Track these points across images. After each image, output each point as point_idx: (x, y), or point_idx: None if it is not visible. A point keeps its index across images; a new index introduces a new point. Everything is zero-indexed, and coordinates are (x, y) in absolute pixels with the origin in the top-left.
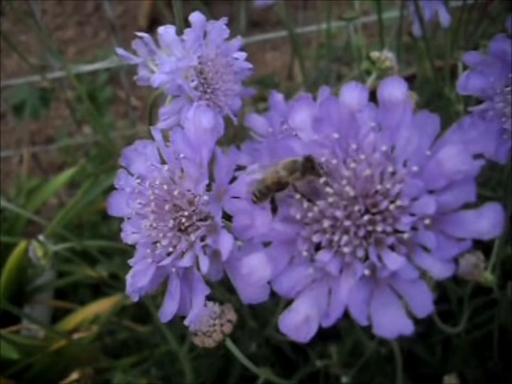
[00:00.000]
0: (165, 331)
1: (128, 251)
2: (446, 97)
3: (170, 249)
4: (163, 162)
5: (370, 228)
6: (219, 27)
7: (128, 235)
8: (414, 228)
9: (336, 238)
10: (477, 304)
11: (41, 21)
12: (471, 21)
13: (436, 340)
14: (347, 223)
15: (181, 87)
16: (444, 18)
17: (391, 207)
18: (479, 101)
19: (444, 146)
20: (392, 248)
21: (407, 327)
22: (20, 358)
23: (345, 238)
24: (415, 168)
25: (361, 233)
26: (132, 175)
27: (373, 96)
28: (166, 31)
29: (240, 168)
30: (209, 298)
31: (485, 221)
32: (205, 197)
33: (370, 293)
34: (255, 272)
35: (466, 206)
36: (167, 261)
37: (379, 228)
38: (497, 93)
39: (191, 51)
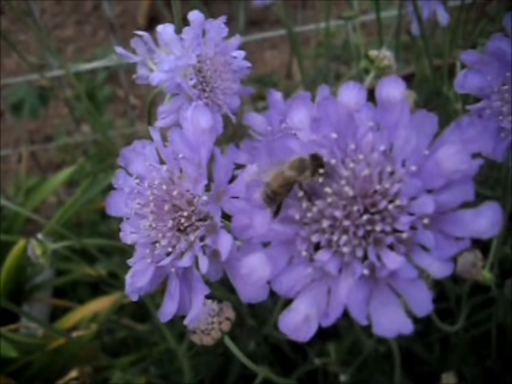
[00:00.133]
0: (164, 330)
1: (127, 249)
2: (445, 95)
3: (170, 249)
4: (162, 162)
5: (369, 227)
6: (217, 25)
7: (127, 235)
8: (413, 228)
9: (335, 238)
10: (475, 303)
11: (40, 20)
12: (470, 20)
13: (434, 338)
14: (346, 223)
15: (180, 86)
16: (443, 17)
17: (390, 206)
18: (477, 100)
19: (443, 145)
20: (391, 247)
21: (407, 327)
22: (19, 357)
23: (344, 238)
24: (413, 168)
25: (360, 232)
26: (130, 175)
27: (371, 95)
28: (165, 30)
29: (239, 166)
30: (208, 296)
31: (484, 220)
32: (204, 197)
33: (369, 292)
34: (254, 272)
35: (465, 205)
36: (166, 261)
37: (378, 227)
38: (494, 92)
39: (190, 50)
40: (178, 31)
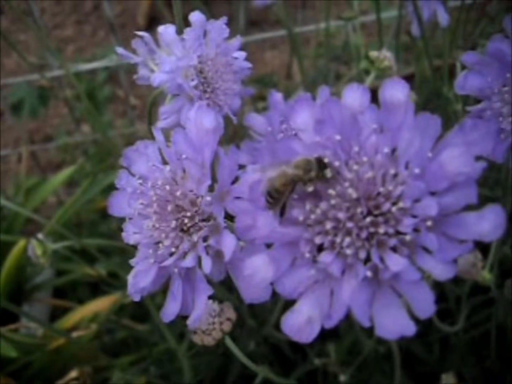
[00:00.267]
0: (163, 330)
1: (127, 250)
2: (445, 96)
3: (173, 250)
4: (165, 162)
5: (372, 229)
6: (219, 26)
7: (130, 235)
8: (416, 230)
9: (338, 239)
10: (475, 303)
11: (40, 20)
12: (470, 21)
13: (434, 339)
14: (349, 224)
15: (181, 86)
16: (443, 18)
17: (393, 209)
18: (477, 101)
19: (446, 148)
20: (394, 249)
21: (409, 328)
22: (19, 356)
23: (347, 239)
24: (417, 170)
25: (364, 234)
26: (133, 175)
27: (372, 96)
28: (166, 30)
29: (240, 167)
30: (209, 297)
31: (487, 223)
32: (208, 198)
33: (372, 294)
34: (257, 273)
35: (467, 207)
36: (169, 261)
37: (381, 229)
38: (494, 93)
39: (191, 51)
40: (179, 31)
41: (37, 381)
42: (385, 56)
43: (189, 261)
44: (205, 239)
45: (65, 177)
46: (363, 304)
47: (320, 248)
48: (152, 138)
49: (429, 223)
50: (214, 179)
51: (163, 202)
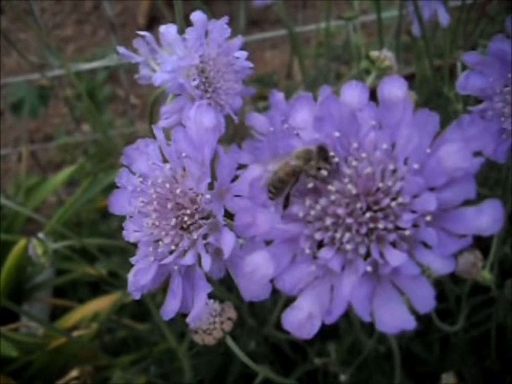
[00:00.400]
0: (164, 329)
1: (128, 249)
2: (445, 96)
3: (172, 247)
4: (165, 161)
5: (372, 225)
6: (220, 26)
7: (130, 233)
8: (415, 225)
9: (338, 235)
10: (475, 303)
11: (40, 19)
12: (470, 21)
13: (434, 339)
14: (349, 220)
15: (183, 86)
16: (443, 18)
17: (393, 204)
18: (477, 100)
19: (444, 143)
20: (393, 245)
21: (409, 323)
22: (19, 356)
23: (347, 235)
24: (415, 166)
25: (363, 230)
26: (134, 173)
27: (372, 95)
28: (168, 30)
29: (241, 166)
30: (209, 296)
31: (485, 218)
32: (207, 196)
33: (372, 289)
34: (258, 270)
35: (466, 203)
36: (169, 259)
37: (380, 225)
38: (496, 93)
39: (193, 50)
40: (180, 31)
41: (38, 380)
42: (386, 56)
43: (189, 259)
44: (204, 237)
45: (65, 177)
46: (364, 299)
47: (320, 244)
48: (154, 137)
49: (428, 218)
50: (214, 177)
51: (163, 200)
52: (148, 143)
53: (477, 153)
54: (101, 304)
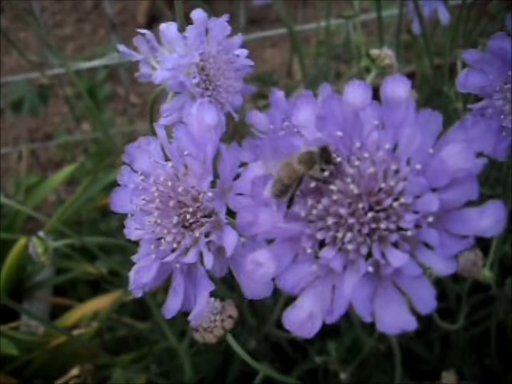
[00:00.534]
0: (164, 328)
1: (128, 247)
2: (445, 94)
3: (174, 245)
4: (167, 159)
5: (373, 225)
6: (220, 24)
7: (132, 231)
8: (417, 226)
9: (340, 235)
10: (475, 301)
11: (40, 18)
12: (470, 19)
13: (434, 337)
14: (351, 220)
15: (183, 84)
16: (443, 16)
17: (395, 204)
18: (478, 99)
19: (447, 144)
20: (395, 245)
21: (410, 324)
22: (19, 355)
23: (349, 235)
24: (418, 166)
25: (365, 230)
26: (135, 171)
27: (373, 94)
28: (168, 28)
29: (242, 164)
30: (210, 294)
31: (488, 219)
32: (209, 194)
33: (373, 290)
34: (259, 269)
35: (469, 204)
36: (171, 257)
37: (382, 225)
38: (496, 91)
39: (193, 48)
40: (181, 29)
41: (38, 379)
42: (386, 54)
43: (191, 257)
44: (207, 235)
45: (65, 176)
46: (365, 300)
47: (322, 244)
48: (154, 135)
49: (430, 219)
50: (216, 175)
51: (165, 198)
52: (149, 141)
53: (480, 154)
54: (101, 302)
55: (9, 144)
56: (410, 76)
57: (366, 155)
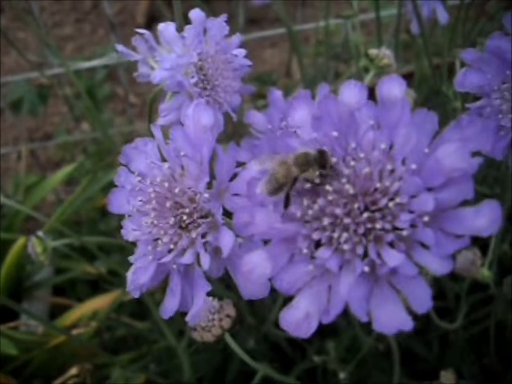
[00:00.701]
0: (163, 327)
1: (127, 247)
2: (444, 94)
3: (171, 246)
4: (164, 159)
5: (369, 225)
6: (218, 24)
7: (129, 232)
8: (413, 225)
9: (336, 235)
10: (474, 301)
11: (39, 18)
12: (469, 19)
13: (433, 336)
14: (346, 220)
15: (181, 84)
16: (442, 16)
17: (390, 204)
18: (476, 98)
19: (443, 144)
20: (391, 245)
21: (407, 323)
22: (18, 354)
23: (344, 235)
24: (413, 166)
25: (361, 230)
26: (132, 172)
27: (371, 94)
28: (166, 28)
29: (239, 164)
30: (208, 294)
31: (483, 218)
32: (206, 195)
33: (369, 289)
34: (255, 269)
35: (464, 203)
36: (168, 258)
37: (378, 225)
38: (494, 90)
39: (191, 48)
40: (179, 29)
41: (37, 379)
42: (385, 54)
43: (187, 258)
44: (203, 235)
45: (64, 175)
46: (361, 299)
47: (318, 244)
48: (152, 135)
49: (426, 218)
50: (212, 176)
51: (161, 199)
52: (146, 142)
53: (476, 153)
54: (100, 302)
55: (9, 144)
56: (409, 76)
57: (361, 155)
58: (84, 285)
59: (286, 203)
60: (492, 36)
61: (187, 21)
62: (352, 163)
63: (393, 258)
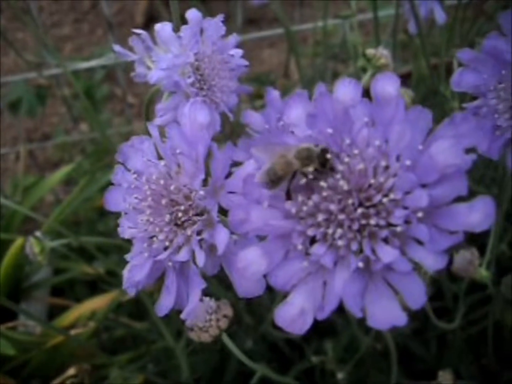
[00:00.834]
0: (161, 328)
1: (125, 247)
2: (442, 94)
3: (167, 244)
4: (160, 157)
5: (363, 221)
6: (215, 24)
7: (125, 230)
8: (407, 221)
9: (330, 231)
10: (472, 301)
11: (38, 18)
12: (467, 20)
13: (431, 336)
14: (341, 216)
15: (178, 84)
16: (439, 16)
17: (385, 200)
18: (474, 99)
19: (436, 140)
20: (385, 241)
21: (401, 319)
22: (16, 354)
23: (339, 231)
24: (408, 162)
25: (355, 226)
26: (129, 170)
27: (368, 94)
28: (163, 28)
29: (236, 164)
30: (205, 293)
31: (477, 214)
32: (201, 192)
33: (364, 285)
34: (250, 266)
35: (459, 200)
36: (163, 255)
37: (372, 221)
38: (490, 90)
39: (188, 48)
40: (176, 29)
41: (35, 379)
42: (382, 54)
43: (183, 255)
44: (199, 233)
45: (62, 176)
46: (355, 295)
47: (313, 240)
48: (149, 135)
49: (420, 214)
50: (208, 173)
51: (157, 196)
52: (143, 140)
53: (471, 150)
54: (98, 302)
55: (7, 145)
56: (407, 76)
57: (356, 151)
58: (82, 286)
59: (288, 196)
60: (488, 36)
61: (185, 22)
62: (347, 159)
63: (387, 254)
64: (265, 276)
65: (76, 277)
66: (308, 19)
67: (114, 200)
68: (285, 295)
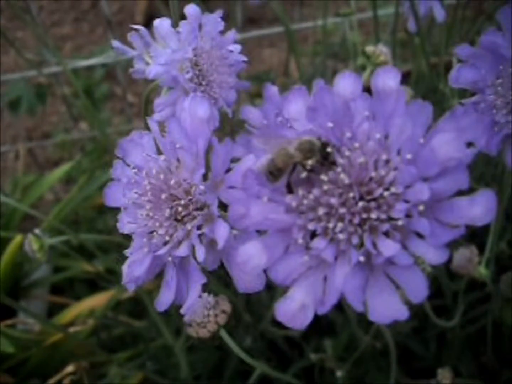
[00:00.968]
0: (160, 326)
1: (125, 245)
2: (441, 92)
3: (167, 238)
4: (160, 152)
5: (364, 215)
6: (214, 19)
7: (125, 225)
8: (408, 215)
9: (331, 225)
10: (471, 299)
11: (38, 17)
12: (466, 19)
13: (430, 335)
14: (342, 210)
15: (176, 79)
16: (439, 14)
17: (386, 194)
18: (473, 96)
19: (437, 134)
20: (386, 234)
21: (402, 313)
22: (16, 352)
23: (340, 225)
24: (408, 156)
25: (356, 220)
26: (128, 165)
27: (368, 92)
28: (161, 23)
29: (235, 160)
30: (204, 290)
31: (478, 208)
32: (201, 187)
33: (365, 279)
34: (250, 260)
35: (460, 194)
36: (163, 250)
37: (373, 215)
38: (488, 86)
39: (186, 43)
40: (175, 27)
41: (34, 377)
42: (381, 51)
43: (183, 250)
44: (199, 228)
45: (62, 174)
46: (356, 289)
47: (313, 235)
48: (148, 130)
49: (421, 208)
50: (208, 168)
51: (157, 191)
52: (142, 135)
53: (470, 144)
54: (97, 300)
55: (7, 143)
56: (407, 74)
57: (356, 145)
58: (81, 284)
59: (288, 189)
60: (486, 31)
61: (184, 19)
62: (347, 153)
63: (388, 248)
64: (265, 271)
65: (76, 275)
66: (308, 18)
67: (114, 195)
68: (285, 290)
